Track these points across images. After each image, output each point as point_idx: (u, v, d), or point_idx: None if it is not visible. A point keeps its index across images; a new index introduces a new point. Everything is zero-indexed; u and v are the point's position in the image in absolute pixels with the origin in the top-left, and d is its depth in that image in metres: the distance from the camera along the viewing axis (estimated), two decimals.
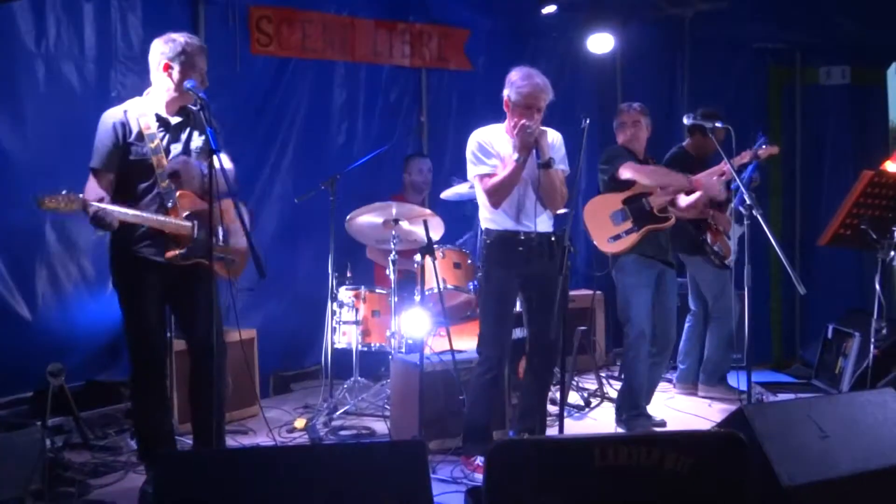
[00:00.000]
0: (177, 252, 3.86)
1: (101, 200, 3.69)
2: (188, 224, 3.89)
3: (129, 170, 3.87)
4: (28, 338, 4.89)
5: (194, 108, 3.81)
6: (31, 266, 4.96)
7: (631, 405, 5.04)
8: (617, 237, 4.97)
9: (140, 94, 5.33)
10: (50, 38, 4.97)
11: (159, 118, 3.92)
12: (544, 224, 4.35)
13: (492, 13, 6.72)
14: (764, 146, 4.99)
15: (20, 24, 4.86)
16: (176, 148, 3.95)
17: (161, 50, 3.90)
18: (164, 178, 3.87)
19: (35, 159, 4.92)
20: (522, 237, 4.30)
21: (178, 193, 3.88)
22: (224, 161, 3.85)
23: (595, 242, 5.07)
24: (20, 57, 4.88)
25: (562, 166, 4.39)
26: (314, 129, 6.24)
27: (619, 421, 5.09)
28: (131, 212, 3.75)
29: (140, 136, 3.86)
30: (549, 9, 6.45)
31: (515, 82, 4.26)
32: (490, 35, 6.80)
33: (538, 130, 4.18)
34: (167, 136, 3.93)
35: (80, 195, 3.63)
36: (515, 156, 4.18)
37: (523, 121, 4.14)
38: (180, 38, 3.93)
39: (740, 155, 4.97)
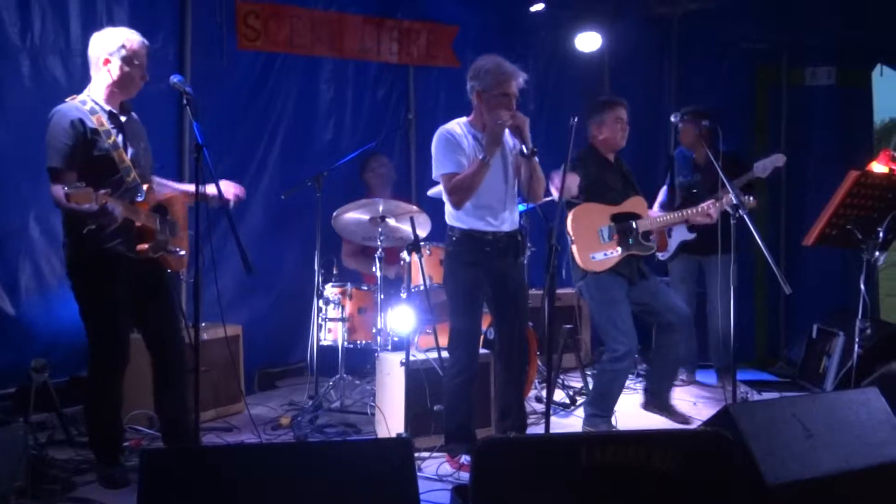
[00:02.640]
0: (146, 246, 3.88)
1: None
2: (156, 217, 3.95)
3: (93, 166, 3.81)
4: (11, 333, 4.87)
5: (183, 103, 3.82)
6: (15, 261, 4.93)
7: (598, 408, 4.85)
8: (601, 255, 4.73)
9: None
10: (35, 31, 4.94)
11: (110, 114, 3.90)
12: (510, 223, 4.35)
13: (480, 10, 6.71)
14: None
15: (4, 17, 4.83)
16: (127, 138, 3.96)
17: (100, 44, 3.89)
18: (130, 172, 3.87)
19: (19, 154, 4.88)
20: (490, 237, 4.29)
21: (145, 187, 3.89)
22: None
23: (576, 254, 4.74)
24: (5, 50, 4.84)
25: None
26: (301, 125, 6.22)
27: (584, 423, 4.92)
28: (117, 203, 3.69)
29: (96, 131, 3.83)
30: (538, 7, 6.47)
31: (489, 72, 4.20)
32: (478, 32, 6.79)
33: (521, 119, 4.12)
34: (119, 132, 3.93)
35: (91, 189, 3.51)
36: (480, 156, 4.14)
37: (500, 111, 4.10)
38: (120, 32, 3.92)
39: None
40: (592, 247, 4.74)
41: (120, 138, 3.92)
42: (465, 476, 4.01)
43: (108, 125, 3.87)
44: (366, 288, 5.53)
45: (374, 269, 5.27)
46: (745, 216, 4.37)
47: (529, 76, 6.91)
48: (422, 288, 4.86)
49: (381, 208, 5.10)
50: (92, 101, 3.89)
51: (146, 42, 3.99)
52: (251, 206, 5.99)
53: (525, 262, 5.16)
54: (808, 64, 7.30)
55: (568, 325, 5.86)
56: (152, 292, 4.04)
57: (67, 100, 3.92)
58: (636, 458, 2.80)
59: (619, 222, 4.80)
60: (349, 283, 5.54)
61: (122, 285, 3.95)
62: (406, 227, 4.95)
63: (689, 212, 4.99)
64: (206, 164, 3.64)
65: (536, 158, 4.28)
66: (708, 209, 4.87)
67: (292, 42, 6.08)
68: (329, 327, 5.49)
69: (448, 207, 4.38)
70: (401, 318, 5.09)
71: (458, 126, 4.35)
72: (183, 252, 4.13)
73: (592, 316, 5.01)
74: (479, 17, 6.77)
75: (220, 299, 4.28)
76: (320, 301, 5.47)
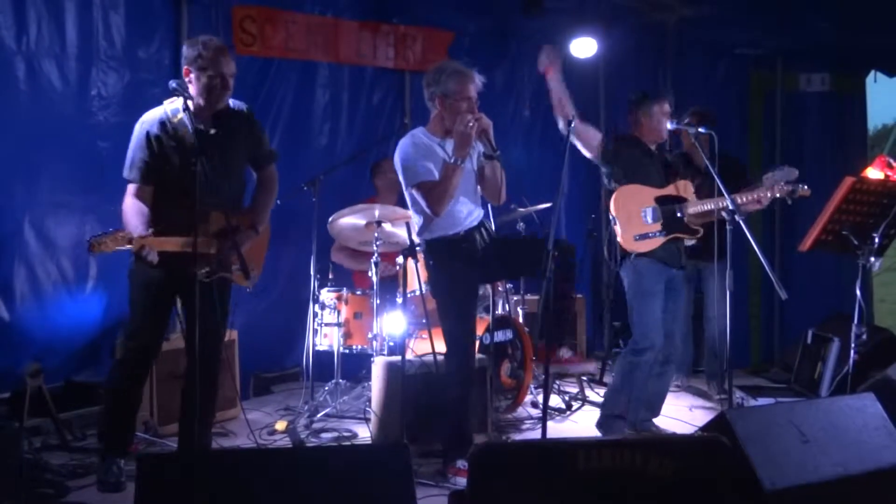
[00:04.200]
0: (203, 271, 3.79)
1: (144, 221, 3.72)
2: (215, 243, 3.87)
3: (165, 184, 3.81)
4: (6, 338, 4.86)
5: (182, 107, 3.73)
6: (10, 265, 4.92)
7: (614, 405, 4.83)
8: (644, 236, 4.65)
9: (121, 94, 5.32)
10: (31, 35, 4.93)
11: (196, 130, 3.80)
12: (477, 217, 4.32)
13: (476, 16, 6.72)
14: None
15: (0, 21, 4.81)
16: (210, 158, 3.82)
17: (184, 55, 3.87)
18: (199, 192, 3.74)
19: (14, 158, 4.88)
20: (462, 233, 4.25)
21: (213, 213, 3.83)
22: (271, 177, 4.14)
23: (619, 236, 4.69)
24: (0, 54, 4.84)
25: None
26: (297, 129, 6.22)
27: (598, 422, 4.90)
28: (169, 241, 3.70)
29: (175, 149, 3.80)
30: (532, 13, 6.47)
31: (449, 77, 4.17)
32: (474, 38, 6.81)
33: (486, 122, 4.08)
34: (203, 147, 3.80)
35: (127, 233, 3.58)
36: (456, 160, 4.08)
37: (467, 116, 4.06)
38: (198, 42, 3.86)
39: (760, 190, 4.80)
40: (636, 227, 4.67)
41: (202, 156, 3.76)
42: (461, 482, 4.01)
43: (190, 142, 3.78)
44: (361, 293, 5.52)
45: (364, 268, 5.25)
46: (741, 222, 4.36)
47: (525, 82, 7.04)
48: (417, 293, 4.86)
49: (377, 213, 5.09)
50: (185, 111, 3.78)
51: (223, 46, 3.89)
52: None
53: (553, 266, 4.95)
54: (802, 70, 7.34)
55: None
56: (203, 308, 3.86)
57: (165, 102, 3.88)
58: (633, 463, 2.80)
59: (664, 205, 4.73)
60: (345, 288, 5.54)
61: (167, 294, 3.95)
62: (401, 232, 4.95)
63: (743, 198, 4.78)
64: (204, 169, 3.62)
65: (499, 161, 4.23)
66: (758, 196, 4.73)
67: (288, 47, 6.08)
68: (325, 332, 5.49)
69: (416, 219, 4.31)
70: (396, 323, 5.10)
71: (419, 136, 4.29)
72: (255, 272, 4.14)
73: (627, 301, 4.86)
74: (475, 23, 6.78)
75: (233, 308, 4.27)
76: (316, 306, 5.47)
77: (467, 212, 4.28)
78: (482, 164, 4.30)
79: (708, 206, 4.78)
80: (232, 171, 4.05)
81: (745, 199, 4.77)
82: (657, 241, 4.68)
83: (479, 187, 4.38)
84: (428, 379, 4.58)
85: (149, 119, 3.85)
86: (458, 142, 4.08)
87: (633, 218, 4.69)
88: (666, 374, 4.94)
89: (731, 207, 4.41)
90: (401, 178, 4.27)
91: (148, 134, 3.81)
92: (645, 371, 4.77)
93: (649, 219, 4.70)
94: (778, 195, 4.76)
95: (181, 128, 3.81)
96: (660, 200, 4.74)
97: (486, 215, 4.35)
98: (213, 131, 3.91)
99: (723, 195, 4.55)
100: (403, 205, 5.34)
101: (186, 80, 3.85)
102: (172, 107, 3.86)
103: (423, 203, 4.17)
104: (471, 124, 4.05)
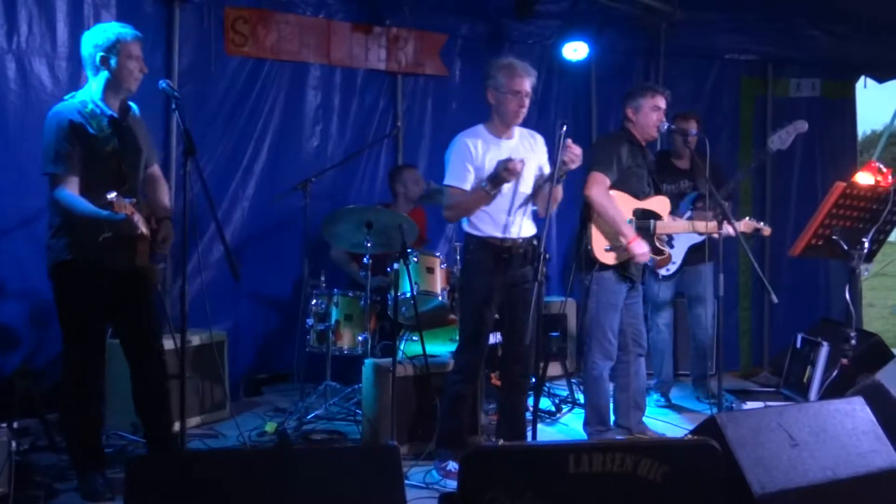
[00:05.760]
0: (143, 255, 3.79)
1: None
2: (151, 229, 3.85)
3: (90, 172, 3.73)
4: None
5: (172, 108, 3.75)
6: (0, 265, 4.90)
7: (597, 421, 4.84)
8: (614, 248, 4.63)
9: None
10: (21, 34, 4.92)
11: (111, 119, 3.80)
12: (528, 230, 4.31)
13: (469, 19, 6.72)
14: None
15: None
16: (125, 147, 3.85)
17: (93, 42, 3.78)
18: (125, 182, 3.76)
19: (3, 157, 4.87)
20: (509, 244, 4.24)
21: (134, 200, 3.77)
22: (160, 174, 4.09)
23: (592, 241, 4.63)
24: None
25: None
26: (288, 130, 6.21)
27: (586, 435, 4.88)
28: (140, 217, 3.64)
29: (96, 138, 3.74)
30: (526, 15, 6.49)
31: (500, 70, 4.18)
32: (466, 41, 6.81)
33: (573, 163, 4.00)
34: (118, 136, 3.83)
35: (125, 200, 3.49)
36: (488, 186, 4.08)
37: (518, 160, 4.03)
38: (111, 27, 3.84)
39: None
40: (609, 238, 4.63)
41: (118, 142, 3.80)
42: (452, 484, 4.01)
43: (107, 131, 3.77)
44: (352, 294, 5.51)
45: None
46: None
47: None
48: (409, 295, 4.85)
49: (370, 215, 5.08)
50: (93, 102, 3.77)
51: (139, 34, 3.89)
52: (237, 211, 5.97)
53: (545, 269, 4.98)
54: (793, 75, 7.37)
55: (554, 333, 5.86)
56: (132, 301, 3.92)
57: (67, 98, 3.83)
58: (623, 466, 2.81)
59: (640, 219, 4.69)
60: (336, 290, 5.53)
61: (101, 297, 3.85)
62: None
63: (632, 238, 4.63)
64: (194, 170, 3.61)
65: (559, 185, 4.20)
66: (728, 230, 4.59)
67: (280, 48, 6.07)
68: (315, 334, 5.47)
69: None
70: (387, 325, 5.09)
71: (475, 134, 4.26)
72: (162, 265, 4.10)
73: (587, 313, 4.77)
74: (467, 26, 6.78)
75: (206, 305, 4.26)
76: (307, 307, 5.45)
77: (515, 220, 4.23)
78: (544, 180, 4.24)
79: (678, 225, 4.82)
80: (139, 163, 3.98)
81: (716, 230, 4.64)
82: (623, 256, 4.64)
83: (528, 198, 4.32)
84: (419, 381, 4.58)
85: (64, 110, 3.75)
86: (498, 176, 4.05)
87: (609, 227, 4.63)
88: (639, 370, 4.92)
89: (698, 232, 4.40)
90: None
91: (71, 122, 3.70)
92: (607, 379, 4.78)
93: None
94: (744, 230, 4.85)
95: (95, 118, 3.75)
96: (638, 213, 4.70)
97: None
98: (125, 123, 3.87)
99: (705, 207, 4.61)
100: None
101: (102, 66, 3.76)
102: (80, 98, 3.81)
103: (445, 202, 4.23)
104: (515, 167, 4.01)
